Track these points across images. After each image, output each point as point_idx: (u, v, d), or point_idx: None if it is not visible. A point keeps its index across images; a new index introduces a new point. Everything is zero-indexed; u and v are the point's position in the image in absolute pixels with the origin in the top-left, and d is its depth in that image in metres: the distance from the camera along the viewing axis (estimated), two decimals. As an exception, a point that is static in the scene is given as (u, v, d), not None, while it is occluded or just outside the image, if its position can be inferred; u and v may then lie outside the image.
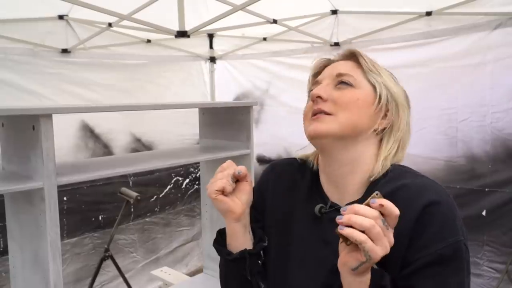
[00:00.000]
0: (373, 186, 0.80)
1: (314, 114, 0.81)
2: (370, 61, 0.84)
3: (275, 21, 2.73)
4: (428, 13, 2.62)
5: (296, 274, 0.84)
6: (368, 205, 0.65)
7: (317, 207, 0.84)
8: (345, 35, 3.09)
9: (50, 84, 2.91)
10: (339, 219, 0.64)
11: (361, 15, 2.94)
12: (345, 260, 0.67)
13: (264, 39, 3.54)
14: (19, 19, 2.69)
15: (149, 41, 3.44)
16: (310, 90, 0.87)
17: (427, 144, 2.69)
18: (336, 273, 0.73)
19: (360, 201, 0.76)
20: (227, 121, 1.58)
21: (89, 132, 3.19)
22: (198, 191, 3.92)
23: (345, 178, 0.83)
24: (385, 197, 0.68)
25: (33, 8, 2.66)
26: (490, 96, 2.46)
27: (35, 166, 0.99)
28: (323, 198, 0.86)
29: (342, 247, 0.68)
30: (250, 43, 3.64)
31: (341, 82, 0.81)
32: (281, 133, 3.42)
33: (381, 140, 0.83)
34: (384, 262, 0.70)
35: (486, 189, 2.53)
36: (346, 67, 0.84)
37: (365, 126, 0.80)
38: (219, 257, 1.66)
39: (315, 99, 0.81)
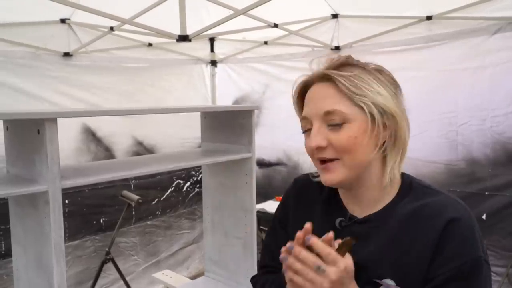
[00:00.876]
0: (395, 204, 0.82)
1: (320, 160, 0.82)
2: (348, 81, 0.78)
3: (276, 25, 2.75)
4: (429, 18, 2.64)
5: None
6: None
7: (337, 220, 0.86)
8: (345, 39, 3.11)
9: (52, 87, 2.93)
10: (284, 260, 0.75)
11: (362, 19, 2.96)
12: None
13: (265, 42, 3.56)
14: (21, 22, 2.71)
15: (150, 44, 3.46)
16: (301, 118, 0.86)
17: (428, 148, 2.70)
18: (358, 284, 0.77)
19: (380, 213, 0.83)
20: (229, 125, 1.59)
21: (91, 135, 3.20)
22: (199, 194, 3.93)
23: (360, 194, 0.85)
24: (407, 217, 0.78)
25: (35, 12, 2.67)
26: (490, 100, 2.47)
27: (40, 169, 1.00)
28: (343, 211, 0.88)
29: None
30: (251, 47, 3.66)
31: (333, 124, 0.79)
32: (280, 137, 3.44)
33: (385, 152, 0.82)
34: (403, 278, 0.75)
35: (486, 193, 2.53)
36: (330, 100, 0.79)
37: (369, 154, 0.80)
38: (220, 260, 1.67)
39: (314, 149, 0.80)
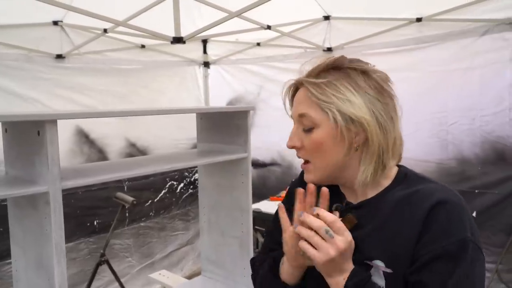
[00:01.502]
0: (387, 191, 0.86)
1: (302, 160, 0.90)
2: (318, 89, 0.82)
3: (269, 27, 2.77)
4: (419, 19, 2.69)
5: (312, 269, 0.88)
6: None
7: (334, 206, 0.89)
8: (337, 41, 3.14)
9: (44, 89, 2.92)
10: (295, 227, 0.79)
11: (353, 21, 3.00)
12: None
13: (258, 44, 3.58)
14: (13, 24, 2.70)
15: (143, 46, 3.46)
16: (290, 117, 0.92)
17: (419, 147, 2.75)
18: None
19: (373, 199, 0.87)
20: (225, 126, 1.61)
21: (84, 137, 3.20)
22: (192, 195, 3.94)
23: (348, 187, 0.91)
24: (398, 202, 0.82)
25: (27, 14, 2.67)
26: (479, 100, 2.53)
27: (40, 170, 1.01)
28: (340, 197, 0.93)
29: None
30: (243, 48, 3.69)
31: (305, 129, 0.85)
32: (274, 138, 3.46)
33: (361, 154, 0.85)
34: (394, 259, 0.79)
35: (476, 191, 2.59)
36: (304, 104, 0.85)
37: (337, 156, 0.84)
38: (217, 260, 1.68)
39: (290, 148, 0.89)
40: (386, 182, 0.88)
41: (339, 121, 0.81)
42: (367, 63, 0.88)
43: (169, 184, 3.77)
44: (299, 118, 0.86)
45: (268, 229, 1.12)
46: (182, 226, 3.93)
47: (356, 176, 0.86)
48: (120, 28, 2.65)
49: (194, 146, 3.78)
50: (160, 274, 2.10)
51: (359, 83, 0.83)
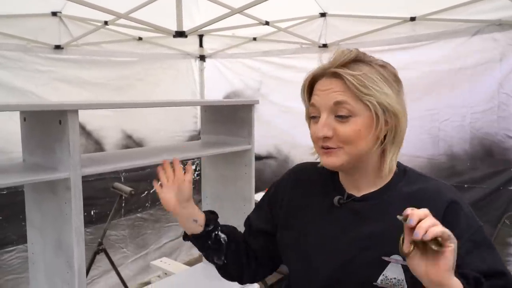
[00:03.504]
0: (392, 186, 0.91)
1: (324, 147, 0.89)
2: (357, 80, 0.84)
3: (267, 23, 2.83)
4: (412, 19, 2.77)
5: (317, 258, 0.93)
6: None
7: (336, 198, 0.93)
8: (333, 37, 3.21)
9: (41, 81, 2.93)
10: (409, 222, 0.70)
11: (349, 18, 3.07)
12: (441, 266, 0.69)
13: (254, 39, 3.63)
14: (12, 14, 2.70)
15: (140, 38, 3.48)
16: (310, 104, 0.91)
17: (412, 143, 2.84)
18: (352, 258, 0.87)
19: (376, 192, 0.91)
20: (229, 118, 1.67)
21: (80, 128, 3.21)
22: (188, 187, 3.98)
23: (357, 179, 0.93)
24: (407, 198, 0.86)
25: (26, 4, 2.67)
26: (470, 98, 2.62)
27: (61, 157, 1.06)
28: (341, 190, 0.95)
29: (421, 265, 0.71)
30: (240, 43, 3.73)
31: (340, 116, 0.85)
32: (271, 131, 3.53)
33: (384, 145, 0.89)
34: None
35: (465, 185, 2.69)
36: (340, 93, 0.85)
37: (370, 146, 0.87)
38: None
39: (321, 138, 0.87)
40: (388, 177, 0.92)
41: (379, 112, 0.84)
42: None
43: (165, 175, 3.80)
44: (334, 106, 0.85)
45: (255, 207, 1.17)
46: (176, 218, 3.97)
47: (374, 167, 0.91)
48: (120, 21, 2.67)
49: (191, 138, 3.85)
50: (161, 261, 2.15)
51: (386, 76, 0.87)
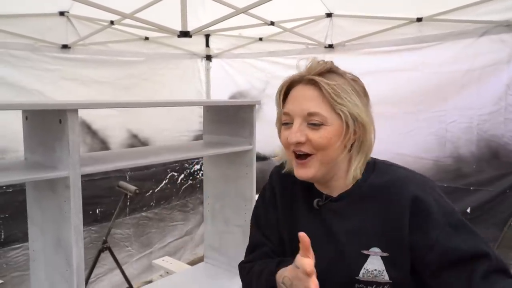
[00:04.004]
0: (363, 182, 0.94)
1: (296, 154, 0.92)
2: (332, 90, 0.88)
3: (272, 23, 2.82)
4: (419, 19, 2.75)
5: None
6: None
7: (315, 201, 0.97)
8: (338, 38, 3.20)
9: (48, 80, 2.95)
10: None
11: (355, 19, 3.05)
12: None
13: (260, 39, 3.63)
14: (20, 14, 2.73)
15: (147, 38, 3.50)
16: (281, 113, 0.96)
17: (418, 144, 2.82)
18: (335, 256, 0.90)
19: (350, 190, 0.94)
20: (230, 119, 1.67)
21: (86, 128, 3.24)
22: (192, 186, 4.01)
23: (331, 183, 0.96)
24: (377, 192, 0.91)
25: (34, 4, 2.70)
26: (477, 100, 2.59)
27: (60, 156, 1.07)
28: (318, 193, 0.99)
29: None
30: (246, 43, 3.73)
31: (313, 124, 0.89)
32: (276, 132, 3.52)
33: (351, 153, 0.93)
34: (388, 244, 0.87)
35: (471, 188, 2.66)
36: (314, 102, 0.89)
37: (338, 153, 0.91)
38: (220, 247, 1.75)
39: (293, 143, 0.90)
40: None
41: (349, 122, 0.88)
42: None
43: (169, 175, 3.83)
44: (308, 116, 0.89)
45: (253, 222, 1.13)
46: (180, 217, 3.99)
47: (342, 175, 0.94)
48: (126, 21, 2.69)
49: (195, 138, 3.86)
50: (163, 260, 2.16)
51: (356, 88, 0.92)
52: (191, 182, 4.01)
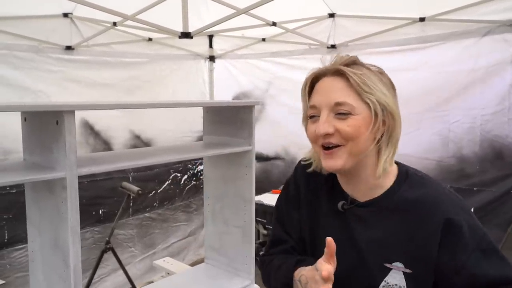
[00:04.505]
0: (394, 192, 0.92)
1: (324, 146, 0.90)
2: (359, 79, 0.86)
3: (274, 24, 2.83)
4: (422, 19, 2.74)
5: None
6: None
7: (340, 203, 0.94)
8: (341, 38, 3.19)
9: (52, 80, 2.98)
10: None
11: (358, 19, 3.05)
12: None
13: (263, 39, 3.63)
14: (24, 16, 2.76)
15: (150, 39, 3.51)
16: (307, 107, 0.94)
17: (421, 145, 2.81)
18: (355, 262, 0.89)
19: (379, 198, 0.92)
20: (230, 119, 1.67)
21: (89, 128, 3.26)
22: (195, 187, 4.01)
23: (357, 181, 0.94)
24: (408, 206, 0.89)
25: (38, 5, 2.72)
26: (480, 100, 2.58)
27: (57, 157, 1.08)
28: (344, 195, 0.97)
29: None
30: (249, 44, 3.74)
31: (341, 113, 0.87)
32: (279, 132, 3.53)
33: (380, 145, 0.90)
34: (412, 261, 0.86)
35: (475, 188, 2.65)
36: (341, 93, 0.87)
37: (368, 145, 0.88)
38: (220, 248, 1.75)
39: (322, 135, 0.88)
40: (389, 181, 0.93)
41: (378, 111, 0.86)
42: None
43: (172, 175, 3.84)
44: (335, 106, 0.87)
45: (276, 216, 1.12)
46: (183, 218, 4.00)
47: (371, 167, 0.91)
48: (129, 22, 2.70)
49: (198, 139, 3.87)
50: (164, 261, 2.17)
51: (383, 80, 0.90)
52: (194, 182, 4.02)
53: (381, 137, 0.89)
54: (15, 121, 2.10)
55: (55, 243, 1.13)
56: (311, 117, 0.92)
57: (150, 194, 3.67)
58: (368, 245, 0.90)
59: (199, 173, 4.03)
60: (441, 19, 2.68)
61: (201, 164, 4.02)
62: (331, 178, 1.00)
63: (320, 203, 1.00)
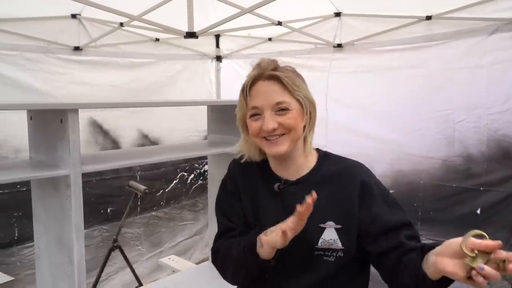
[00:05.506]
0: (319, 168, 1.12)
1: (267, 138, 1.06)
2: (290, 80, 1.06)
3: (279, 23, 2.83)
4: (428, 17, 2.72)
5: None
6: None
7: (276, 185, 1.12)
8: (347, 37, 3.18)
9: (61, 81, 3.02)
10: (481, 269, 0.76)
11: (364, 18, 3.04)
12: (458, 273, 0.80)
13: (269, 39, 3.64)
14: (33, 17, 2.80)
15: (157, 39, 3.54)
16: (247, 107, 1.10)
17: (425, 144, 2.79)
18: (298, 233, 1.00)
19: (307, 175, 1.11)
20: (233, 118, 1.68)
21: (98, 128, 3.30)
22: (202, 186, 4.03)
23: (289, 162, 1.12)
24: (331, 177, 1.10)
25: (47, 7, 2.76)
26: (486, 98, 2.55)
27: (62, 155, 1.10)
28: (277, 178, 1.14)
29: (449, 257, 0.82)
30: (255, 43, 3.74)
31: (281, 110, 1.05)
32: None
33: (305, 131, 1.10)
34: (341, 218, 1.06)
35: (481, 188, 2.62)
36: (279, 94, 1.06)
37: (301, 130, 1.09)
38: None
39: (270, 130, 1.05)
40: (312, 162, 1.14)
41: (306, 104, 1.08)
42: None
43: (179, 175, 3.87)
44: (275, 105, 1.05)
45: (218, 212, 1.25)
46: (190, 217, 4.03)
47: (301, 148, 1.11)
48: (135, 22, 2.73)
49: (205, 138, 3.88)
50: (169, 258, 2.19)
51: (301, 77, 1.12)
52: (201, 182, 4.04)
53: (305, 126, 1.10)
54: (24, 119, 2.15)
55: (60, 240, 1.15)
56: (253, 115, 1.08)
57: (158, 193, 3.70)
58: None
59: (205, 173, 4.05)
60: (447, 17, 2.66)
61: (207, 163, 4.04)
62: (263, 165, 1.17)
63: (259, 189, 1.16)
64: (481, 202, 2.61)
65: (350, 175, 1.10)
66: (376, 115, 3.03)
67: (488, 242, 0.77)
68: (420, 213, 2.86)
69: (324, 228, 1.06)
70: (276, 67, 1.09)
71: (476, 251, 0.76)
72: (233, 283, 1.20)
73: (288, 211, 1.03)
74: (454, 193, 2.72)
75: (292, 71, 1.11)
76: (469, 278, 0.76)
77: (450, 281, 0.87)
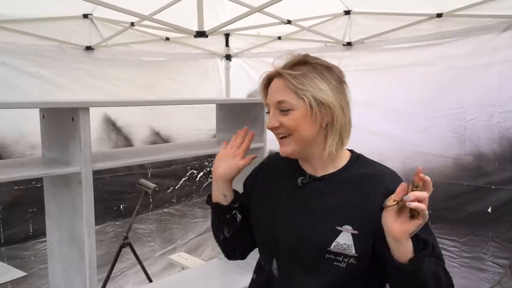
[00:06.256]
0: (346, 169, 1.08)
1: (277, 136, 1.08)
2: (295, 79, 1.01)
3: (289, 22, 2.84)
4: (439, 15, 2.69)
5: (282, 231, 1.09)
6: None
7: (300, 179, 1.10)
8: (357, 35, 3.17)
9: (73, 80, 3.07)
10: (407, 198, 0.85)
11: (374, 15, 3.02)
12: (403, 228, 0.88)
13: (279, 38, 3.64)
14: (47, 18, 2.85)
15: (167, 39, 3.57)
16: (265, 104, 1.12)
17: (437, 142, 2.77)
18: (310, 228, 1.04)
19: (333, 174, 1.08)
20: (242, 116, 1.70)
21: (111, 125, 3.35)
22: (211, 184, 4.06)
23: (311, 160, 1.10)
24: (357, 179, 1.06)
25: (59, 7, 2.81)
26: (497, 96, 2.53)
27: (73, 153, 1.13)
28: (302, 172, 1.13)
29: (391, 220, 0.89)
30: (265, 42, 3.75)
31: (283, 109, 1.04)
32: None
33: (326, 132, 1.05)
34: (360, 224, 1.00)
35: (492, 187, 2.60)
36: (282, 92, 1.04)
37: (311, 132, 1.04)
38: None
39: (270, 128, 1.07)
40: (343, 162, 1.10)
41: (313, 105, 1.01)
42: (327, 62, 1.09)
43: (189, 172, 3.91)
44: (278, 103, 1.04)
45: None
46: (201, 214, 4.06)
47: (320, 151, 1.06)
48: (146, 22, 2.76)
49: (215, 136, 3.91)
50: (179, 256, 2.22)
51: (325, 75, 1.03)
52: (210, 180, 4.06)
53: (327, 125, 1.04)
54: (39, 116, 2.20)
55: (71, 236, 1.18)
56: (267, 112, 1.10)
57: (168, 190, 3.75)
58: (322, 212, 1.05)
59: (215, 170, 4.07)
60: (459, 14, 2.63)
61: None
62: (293, 159, 1.15)
63: (282, 181, 1.16)
64: (492, 201, 2.58)
65: (376, 181, 1.05)
66: (387, 113, 3.02)
67: (400, 187, 0.87)
68: (430, 211, 2.83)
69: (340, 231, 1.01)
70: (294, 64, 1.04)
71: (395, 200, 0.87)
72: (220, 246, 1.25)
73: (305, 204, 1.07)
74: (465, 191, 2.70)
75: (317, 67, 1.03)
76: (412, 216, 0.86)
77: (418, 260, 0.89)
